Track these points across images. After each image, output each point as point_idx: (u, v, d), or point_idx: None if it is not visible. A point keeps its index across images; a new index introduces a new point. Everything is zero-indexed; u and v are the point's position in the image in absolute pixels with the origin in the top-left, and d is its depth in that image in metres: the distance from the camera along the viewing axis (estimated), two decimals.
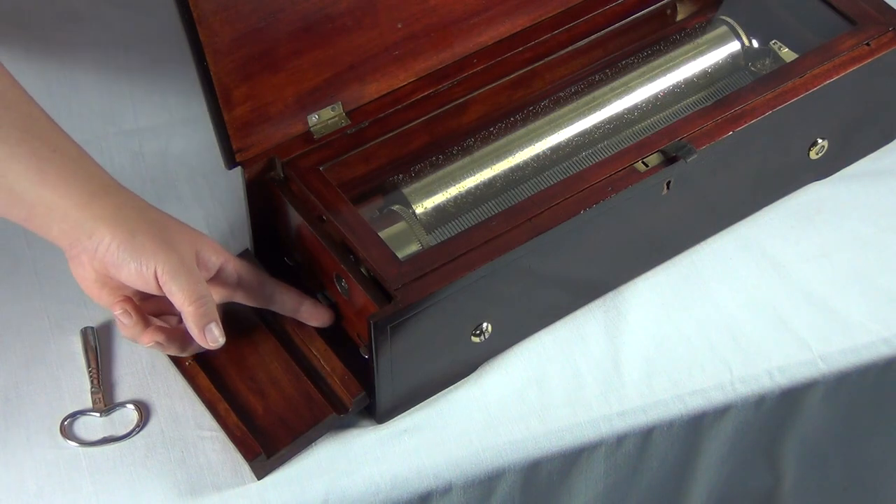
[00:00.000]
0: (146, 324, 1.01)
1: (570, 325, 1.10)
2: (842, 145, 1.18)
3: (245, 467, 1.00)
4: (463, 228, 1.09)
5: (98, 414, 1.04)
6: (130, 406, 1.05)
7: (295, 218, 1.04)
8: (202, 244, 1.00)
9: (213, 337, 0.98)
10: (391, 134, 1.09)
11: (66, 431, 1.03)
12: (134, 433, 1.03)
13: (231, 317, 1.07)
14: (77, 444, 1.02)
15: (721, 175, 1.11)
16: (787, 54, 1.18)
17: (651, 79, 1.18)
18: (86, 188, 0.97)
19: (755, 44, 1.22)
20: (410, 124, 1.09)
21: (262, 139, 1.05)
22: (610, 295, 1.12)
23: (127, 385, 1.06)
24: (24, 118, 0.97)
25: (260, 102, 1.03)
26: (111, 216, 0.97)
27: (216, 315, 0.98)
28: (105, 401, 1.05)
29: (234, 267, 1.02)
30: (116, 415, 1.04)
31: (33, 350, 1.08)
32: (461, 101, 1.11)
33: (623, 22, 1.17)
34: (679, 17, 1.23)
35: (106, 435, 1.03)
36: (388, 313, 0.96)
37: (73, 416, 1.04)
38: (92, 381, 1.05)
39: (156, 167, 1.21)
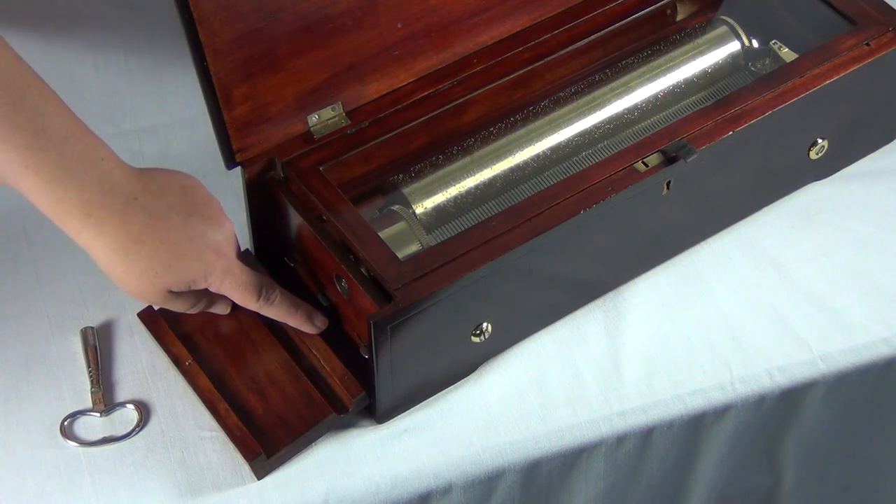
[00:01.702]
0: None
1: (570, 325, 1.10)
2: (842, 145, 1.18)
3: (245, 467, 1.00)
4: (463, 228, 1.09)
5: (98, 414, 1.04)
6: (130, 406, 1.05)
7: (295, 218, 1.04)
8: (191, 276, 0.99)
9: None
10: (391, 134, 1.09)
11: (66, 431, 1.03)
12: (134, 433, 1.03)
13: (231, 317, 1.07)
14: (77, 445, 1.02)
15: (721, 175, 1.11)
16: (787, 54, 1.18)
17: (651, 79, 1.18)
18: (73, 212, 0.94)
19: (755, 44, 1.22)
20: (410, 124, 1.09)
21: (262, 139, 1.05)
22: (610, 295, 1.12)
23: (127, 385, 1.06)
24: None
25: (260, 102, 1.03)
26: (109, 262, 0.96)
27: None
28: (105, 401, 1.05)
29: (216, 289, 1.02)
30: (116, 415, 1.04)
31: (33, 350, 1.08)
32: (461, 101, 1.11)
33: (623, 22, 1.17)
34: (679, 17, 1.23)
35: (106, 435, 1.03)
36: (388, 313, 0.96)
37: (73, 416, 1.04)
38: (92, 381, 1.05)
39: (156, 167, 1.21)
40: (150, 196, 0.97)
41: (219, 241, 0.99)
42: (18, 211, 1.17)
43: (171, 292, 0.99)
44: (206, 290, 1.02)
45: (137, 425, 1.03)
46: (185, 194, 0.99)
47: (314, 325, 1.05)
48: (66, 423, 1.03)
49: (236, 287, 1.01)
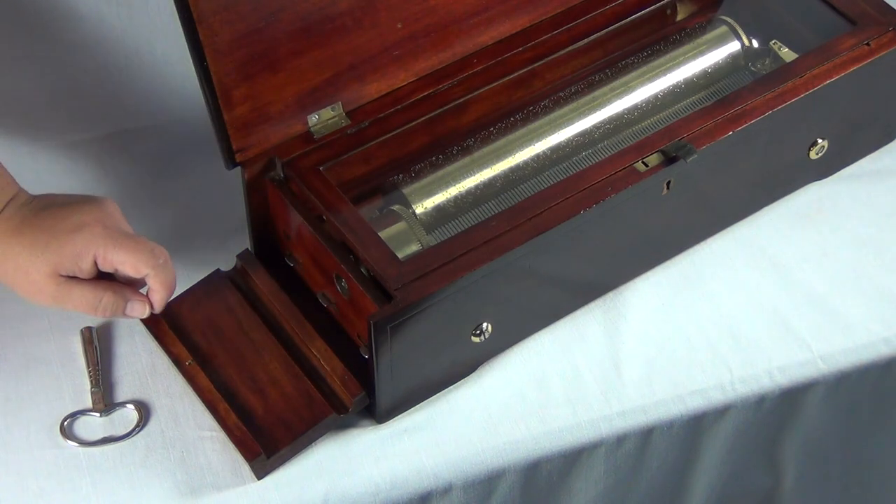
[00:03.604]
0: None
1: (570, 325, 1.10)
2: (842, 145, 1.18)
3: (245, 467, 1.00)
4: (463, 228, 1.09)
5: (98, 414, 1.04)
6: (130, 406, 1.05)
7: (295, 218, 1.04)
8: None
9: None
10: (391, 134, 1.09)
11: (66, 431, 1.03)
12: (134, 433, 1.03)
13: (231, 317, 1.07)
14: (77, 444, 1.02)
15: (721, 175, 1.11)
16: (787, 54, 1.18)
17: (651, 79, 1.18)
18: None
19: (755, 44, 1.22)
20: (410, 124, 1.09)
21: (262, 139, 1.05)
22: (610, 295, 1.12)
23: (127, 385, 1.06)
24: None
25: (260, 102, 1.03)
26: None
27: None
28: (105, 401, 1.05)
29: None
30: (116, 415, 1.04)
31: (33, 350, 1.08)
32: (461, 101, 1.11)
33: (623, 22, 1.17)
34: (679, 17, 1.23)
35: (106, 435, 1.03)
36: (388, 313, 0.96)
37: (73, 416, 1.04)
38: (92, 382, 1.05)
39: (156, 167, 1.21)
40: (38, 201, 1.00)
41: (97, 214, 0.99)
42: None
43: (62, 277, 0.98)
44: (105, 279, 1.00)
45: (137, 425, 1.03)
46: (73, 197, 1.02)
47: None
48: (66, 423, 1.03)
49: (124, 250, 0.98)
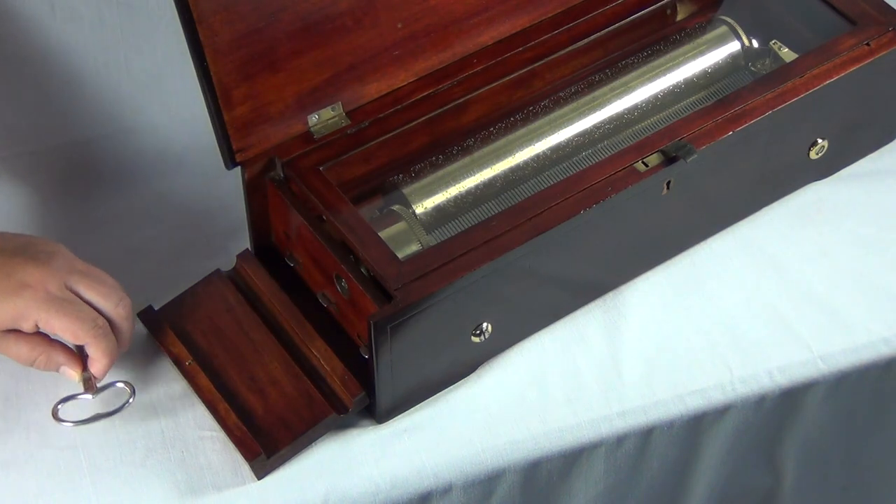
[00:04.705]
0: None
1: (570, 325, 1.10)
2: (842, 145, 1.18)
3: (245, 467, 1.00)
4: (463, 228, 1.09)
5: (90, 396, 1.02)
6: (120, 384, 1.03)
7: (295, 218, 1.05)
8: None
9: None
10: (391, 134, 1.09)
11: (59, 415, 1.01)
12: (125, 406, 1.01)
13: (231, 317, 1.07)
14: (71, 424, 1.00)
15: (721, 175, 1.11)
16: (787, 54, 1.18)
17: (651, 79, 1.18)
18: None
19: (755, 44, 1.22)
20: (410, 124, 1.09)
21: (262, 139, 1.05)
22: (610, 295, 1.12)
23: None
24: None
25: (260, 102, 1.03)
26: None
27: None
28: (96, 387, 1.03)
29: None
30: (107, 393, 1.03)
31: None
32: (461, 101, 1.11)
33: (623, 22, 1.17)
34: (679, 17, 1.23)
35: (98, 412, 1.01)
36: (388, 313, 0.96)
37: (65, 400, 1.02)
38: (87, 383, 1.03)
39: (156, 167, 1.21)
40: None
41: (42, 274, 0.99)
42: (18, 210, 1.17)
43: (1, 331, 0.99)
44: (44, 341, 1.01)
45: (128, 400, 1.01)
46: (25, 241, 1.02)
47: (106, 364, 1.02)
48: (58, 406, 1.02)
49: (64, 318, 0.99)
